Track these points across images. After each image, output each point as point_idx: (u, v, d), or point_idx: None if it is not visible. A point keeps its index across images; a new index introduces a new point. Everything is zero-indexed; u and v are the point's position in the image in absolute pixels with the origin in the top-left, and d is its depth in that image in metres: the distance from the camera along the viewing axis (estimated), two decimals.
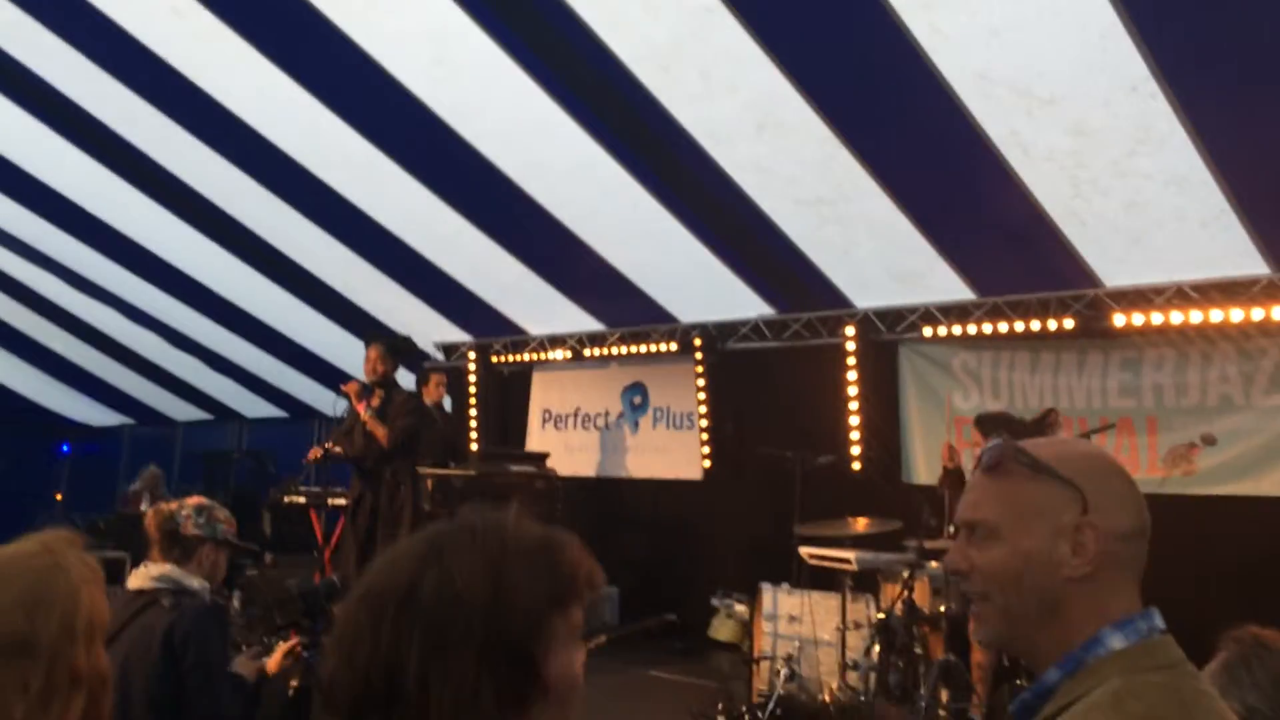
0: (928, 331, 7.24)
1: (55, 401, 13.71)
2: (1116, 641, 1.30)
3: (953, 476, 5.99)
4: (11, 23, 6.10)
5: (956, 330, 7.09)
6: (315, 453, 7.20)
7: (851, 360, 7.53)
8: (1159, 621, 1.34)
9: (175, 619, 3.10)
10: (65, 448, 14.23)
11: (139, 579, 3.23)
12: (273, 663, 3.31)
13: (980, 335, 7.04)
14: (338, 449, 7.05)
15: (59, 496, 12.89)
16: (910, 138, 5.67)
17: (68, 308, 10.85)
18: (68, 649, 1.39)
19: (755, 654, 6.18)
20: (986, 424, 5.68)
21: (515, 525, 1.22)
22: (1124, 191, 5.55)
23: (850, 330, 7.55)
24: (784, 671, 5.74)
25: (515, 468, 8.14)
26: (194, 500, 3.44)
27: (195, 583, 3.25)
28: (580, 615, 1.21)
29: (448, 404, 9.82)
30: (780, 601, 6.20)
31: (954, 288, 6.99)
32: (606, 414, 9.42)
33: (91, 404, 13.72)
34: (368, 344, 7.24)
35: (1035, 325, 6.74)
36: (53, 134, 7.29)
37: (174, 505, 3.39)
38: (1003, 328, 6.90)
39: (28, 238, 9.21)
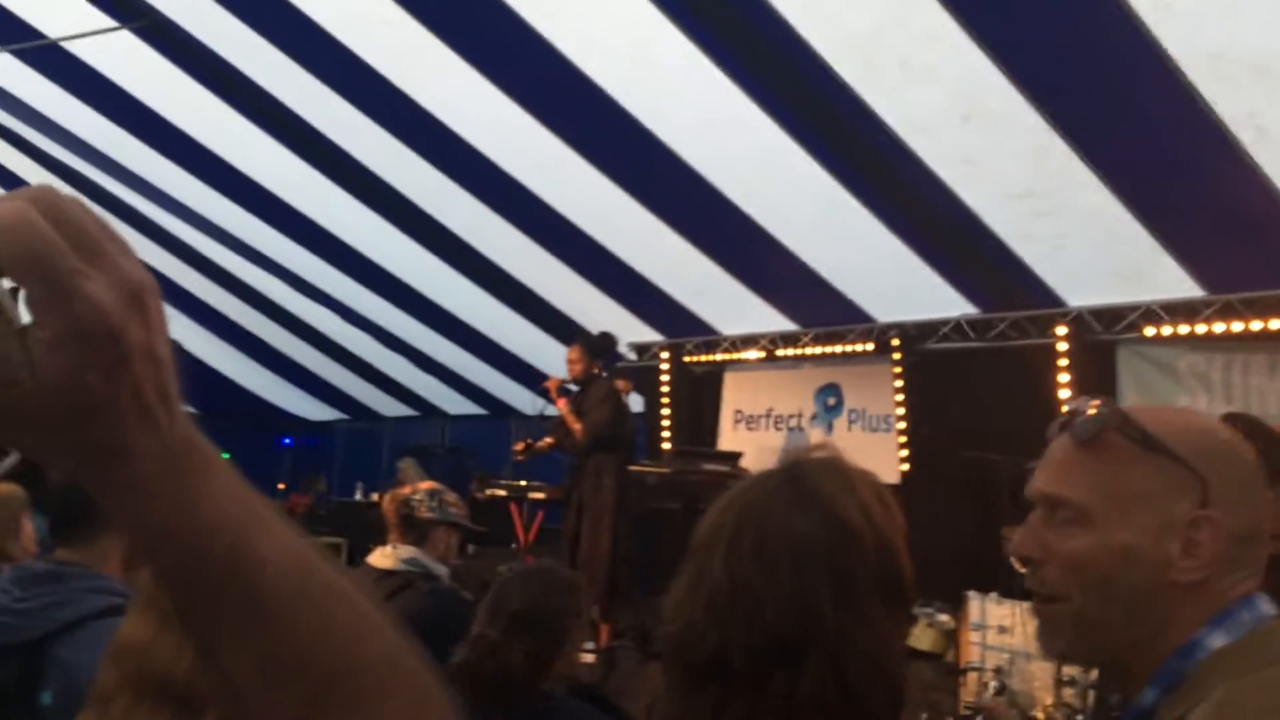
0: (1150, 331, 6.75)
1: (278, 396, 14.66)
2: (1217, 640, 1.04)
3: None
4: (241, 40, 6.57)
5: (1184, 330, 6.58)
6: (519, 446, 7.41)
7: (1063, 362, 7.12)
8: (1267, 607, 1.07)
9: (433, 606, 3.20)
10: (287, 440, 15.19)
11: (386, 559, 3.37)
12: None
13: (1211, 335, 6.50)
14: (546, 441, 7.22)
15: (281, 486, 13.75)
16: (1132, 123, 5.30)
17: (290, 309, 11.60)
18: None
19: (962, 664, 5.93)
20: (1238, 424, 5.20)
21: (851, 466, 1.20)
22: None
23: (1062, 330, 7.14)
24: (993, 684, 5.48)
25: (709, 466, 8.11)
26: (426, 485, 3.61)
27: (439, 568, 3.41)
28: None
29: (638, 404, 9.92)
30: (989, 611, 5.92)
31: (1181, 284, 6.48)
32: (800, 415, 9.27)
33: (309, 400, 14.60)
34: (569, 344, 7.40)
35: (1275, 324, 6.17)
36: (281, 147, 7.82)
37: (408, 490, 3.57)
38: (1237, 327, 6.35)
39: (255, 244, 9.90)
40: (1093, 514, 1.11)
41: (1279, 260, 5.91)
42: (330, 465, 14.84)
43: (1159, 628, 1.08)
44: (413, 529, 3.44)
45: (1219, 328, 6.43)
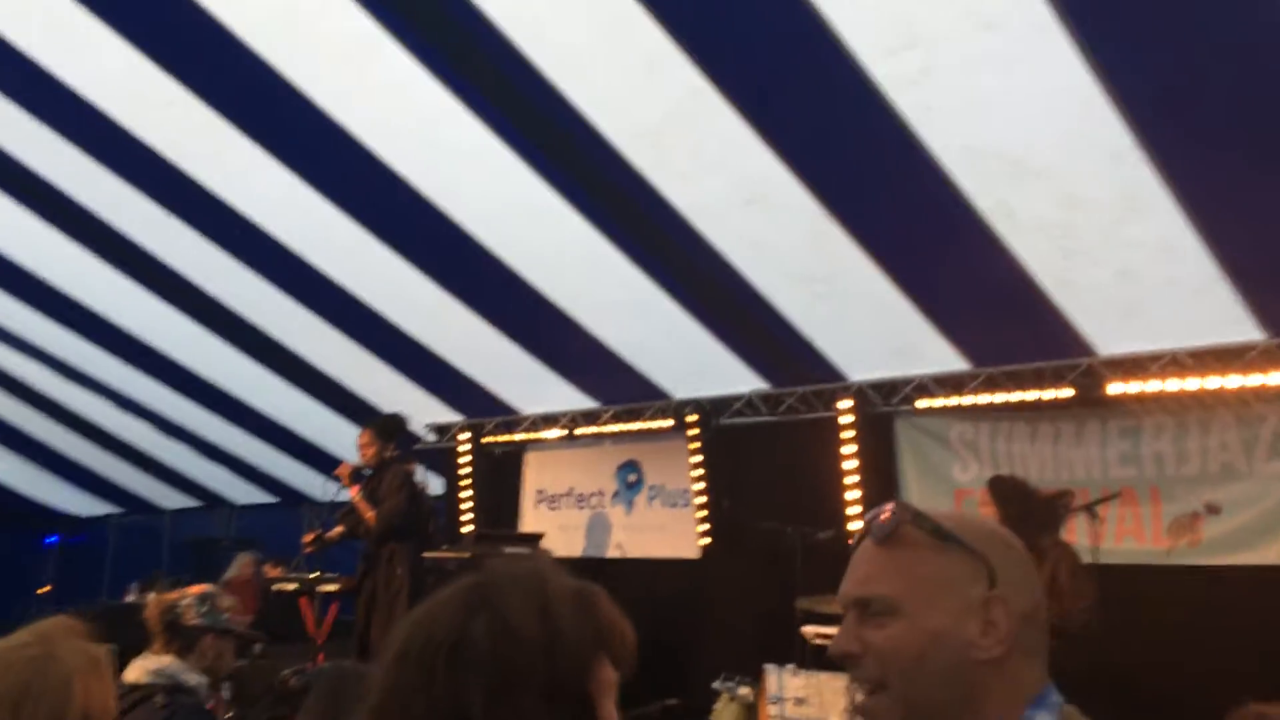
0: (923, 403, 7.19)
1: (42, 492, 13.54)
2: None
3: None
4: (5, 117, 6.15)
5: (952, 401, 7.04)
6: (308, 537, 7.09)
7: (848, 434, 7.46)
8: (1058, 695, 1.19)
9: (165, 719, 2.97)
10: (52, 539, 14.00)
11: (135, 672, 3.12)
12: None
13: (976, 406, 6.98)
14: (337, 530, 6.94)
15: (45, 589, 12.63)
16: (900, 211, 5.69)
17: (54, 396, 10.77)
18: None
19: None
20: (1000, 487, 5.55)
21: (551, 570, 1.22)
22: (1115, 260, 5.56)
23: (846, 403, 7.50)
24: None
25: (510, 549, 7.99)
26: (196, 589, 3.37)
27: (194, 678, 3.15)
28: (612, 671, 1.19)
29: (438, 486, 9.71)
30: (785, 683, 6.03)
31: (948, 359, 6.96)
32: (601, 493, 9.30)
33: (79, 494, 13.54)
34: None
35: (1031, 395, 6.70)
36: (37, 220, 7.31)
37: (175, 595, 3.32)
38: (999, 398, 6.85)
39: (11, 326, 9.17)
40: (901, 604, 1.19)
41: (1032, 335, 6.43)
42: (102, 564, 13.75)
43: (974, 707, 1.15)
44: (178, 636, 3.20)
45: (984, 399, 6.91)
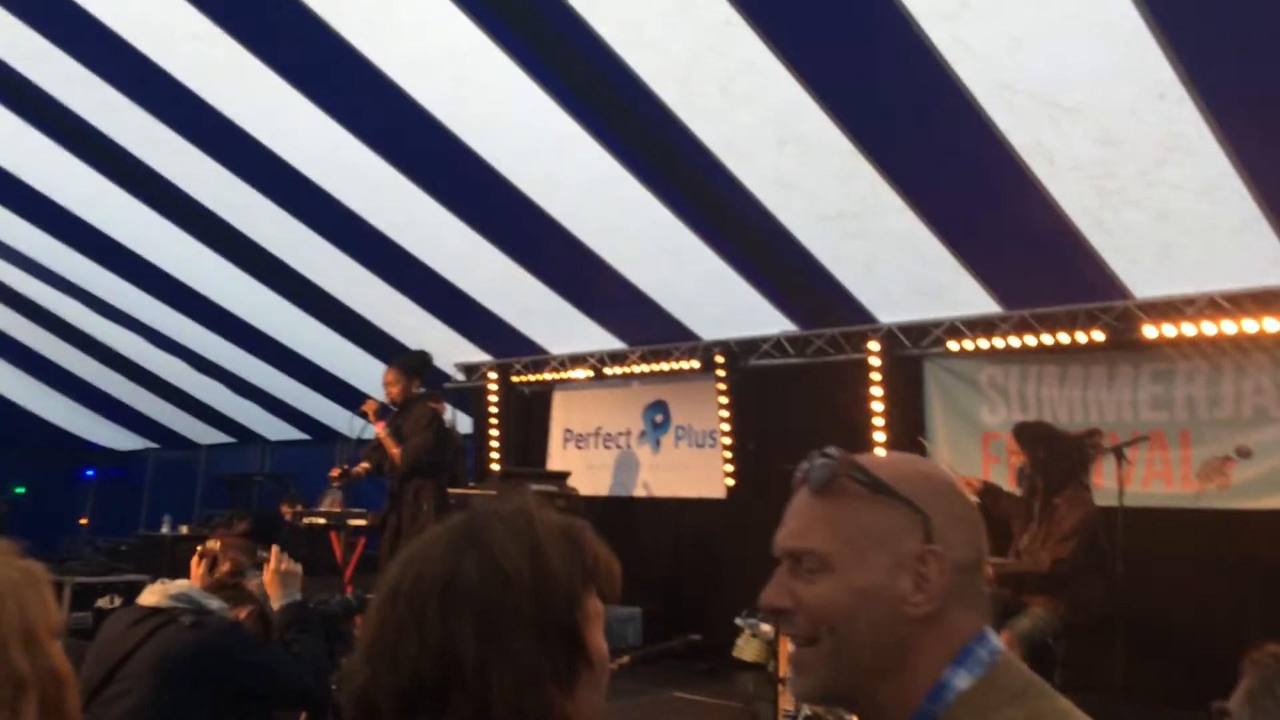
0: (953, 346, 7.14)
1: (81, 427, 13.79)
2: (961, 681, 1.11)
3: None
4: (39, 52, 6.15)
5: (983, 344, 6.99)
6: (335, 472, 7.18)
7: (876, 376, 7.44)
8: (995, 641, 1.15)
9: (201, 640, 3.01)
10: (90, 472, 14.29)
11: (153, 595, 3.14)
12: None
13: (1008, 349, 6.93)
14: (363, 466, 7.01)
15: (84, 521, 12.91)
16: (933, 150, 5.61)
17: (92, 333, 10.92)
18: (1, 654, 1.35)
19: (781, 674, 6.07)
20: (1027, 433, 5.52)
21: (538, 508, 1.22)
22: (1153, 202, 5.46)
23: (874, 345, 7.46)
24: None
25: (536, 487, 8.08)
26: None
27: (214, 602, 3.19)
28: (599, 603, 1.20)
29: (467, 425, 9.80)
30: None
31: (980, 301, 6.89)
32: (628, 433, 9.36)
33: (116, 429, 13.79)
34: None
35: (1064, 338, 6.63)
36: (77, 161, 7.35)
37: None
38: (1030, 341, 6.79)
39: (52, 264, 9.28)
40: (832, 560, 1.17)
41: (1065, 278, 6.35)
42: (139, 497, 14.03)
43: (903, 663, 1.14)
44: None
45: (1015, 342, 6.86)
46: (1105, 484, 5.60)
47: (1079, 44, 4.67)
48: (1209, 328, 6.09)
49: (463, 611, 1.10)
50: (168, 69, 6.16)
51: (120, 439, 14.15)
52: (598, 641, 1.18)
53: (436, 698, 1.08)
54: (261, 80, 6.02)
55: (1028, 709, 1.08)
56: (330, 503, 9.09)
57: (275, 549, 3.46)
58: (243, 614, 3.32)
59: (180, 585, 3.17)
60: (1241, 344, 6.18)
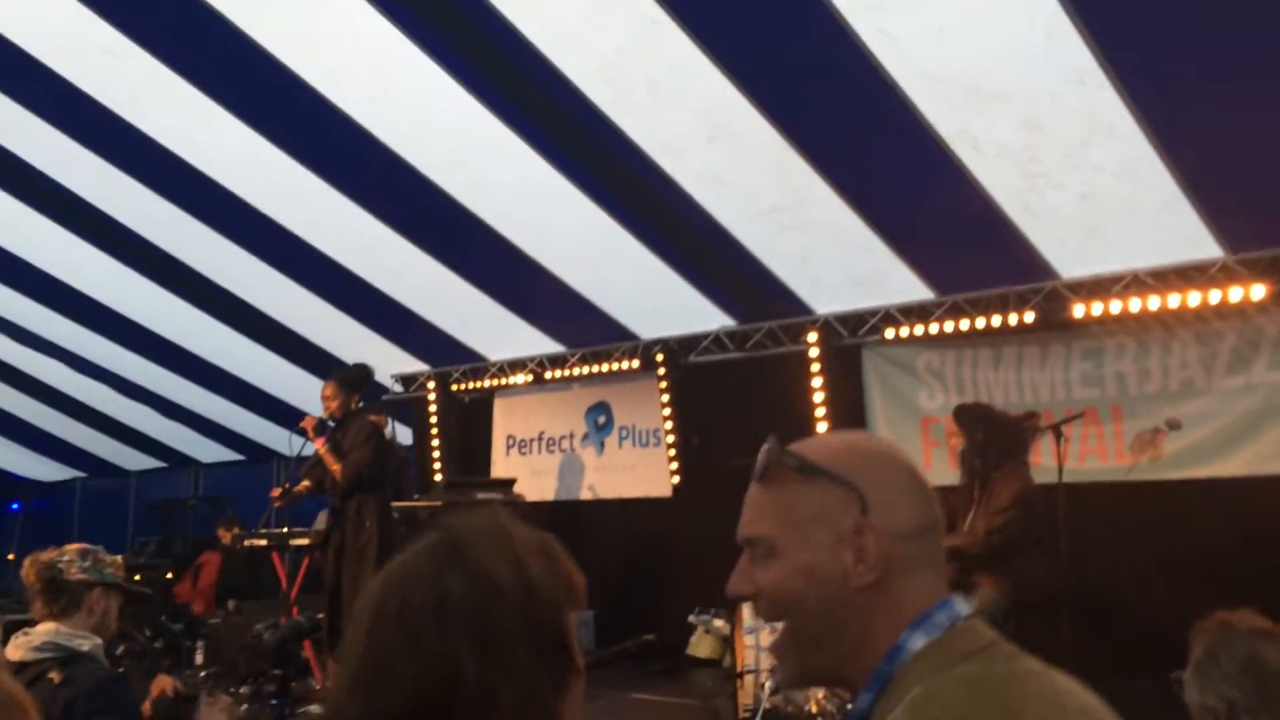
0: (890, 333, 7.22)
1: (3, 459, 13.34)
2: (917, 642, 1.14)
3: None
4: None
5: (919, 330, 7.08)
6: (275, 492, 7.02)
7: (815, 367, 7.50)
8: (961, 608, 1.17)
9: (70, 696, 2.71)
10: (15, 505, 13.84)
11: (18, 649, 2.83)
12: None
13: (942, 334, 7.03)
14: (304, 485, 6.86)
15: (11, 557, 12.49)
16: (862, 141, 5.66)
17: (11, 361, 10.57)
18: None
19: (739, 669, 6.08)
20: (965, 415, 5.59)
21: (510, 521, 1.22)
22: (1077, 184, 5.58)
23: (812, 337, 7.52)
24: (769, 685, 5.65)
25: (481, 495, 8.00)
26: (75, 546, 3.20)
27: (86, 643, 2.90)
28: (573, 617, 1.21)
29: (407, 436, 9.67)
30: None
31: (913, 288, 6.98)
32: (571, 436, 9.31)
33: (40, 459, 13.37)
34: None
35: (996, 320, 6.74)
36: None
37: (54, 553, 3.14)
38: (964, 325, 6.89)
39: None
40: (777, 543, 1.21)
41: (995, 261, 6.46)
42: (68, 528, 13.62)
43: (861, 635, 1.17)
44: (62, 594, 2.94)
45: (949, 327, 6.96)
46: (1044, 462, 5.69)
47: (1001, 32, 4.74)
48: (1135, 304, 6.23)
49: (459, 629, 1.08)
50: (80, 85, 5.97)
51: (45, 469, 13.73)
52: (578, 649, 1.19)
53: (440, 718, 1.06)
54: (180, 94, 5.87)
55: (978, 665, 1.10)
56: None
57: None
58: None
59: (42, 632, 2.88)
60: (1166, 320, 6.34)
